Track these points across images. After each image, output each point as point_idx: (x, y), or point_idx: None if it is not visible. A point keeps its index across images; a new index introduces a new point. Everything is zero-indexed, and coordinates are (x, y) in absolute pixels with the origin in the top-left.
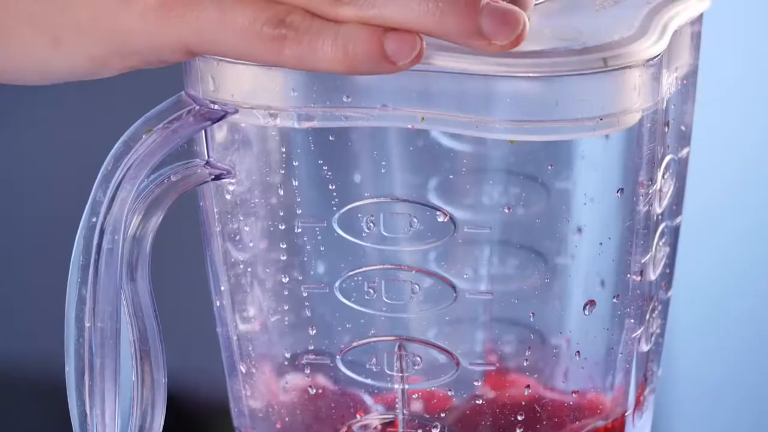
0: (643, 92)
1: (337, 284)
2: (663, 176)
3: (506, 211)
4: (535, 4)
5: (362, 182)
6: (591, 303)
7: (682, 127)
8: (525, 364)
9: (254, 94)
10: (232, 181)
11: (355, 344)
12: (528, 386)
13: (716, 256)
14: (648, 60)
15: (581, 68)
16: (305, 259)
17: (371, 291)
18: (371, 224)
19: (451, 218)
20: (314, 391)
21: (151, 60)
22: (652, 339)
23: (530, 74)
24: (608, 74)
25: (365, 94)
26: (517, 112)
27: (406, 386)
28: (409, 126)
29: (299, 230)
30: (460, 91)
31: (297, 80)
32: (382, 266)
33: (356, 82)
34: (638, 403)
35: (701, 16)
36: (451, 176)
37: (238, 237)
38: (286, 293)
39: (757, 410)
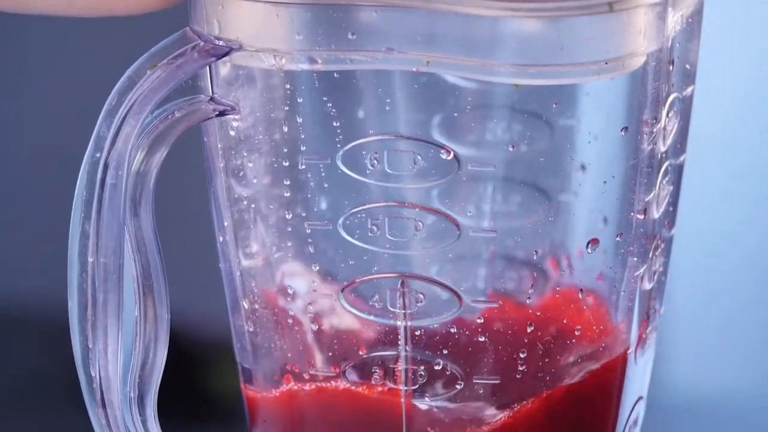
0: (649, 35)
1: (340, 221)
2: (667, 115)
3: (510, 149)
4: None
5: (366, 119)
6: (594, 241)
7: (687, 66)
8: (528, 301)
9: (259, 36)
10: (236, 117)
11: (358, 281)
12: (530, 323)
13: (720, 195)
14: (654, 1)
15: (586, 10)
16: (309, 195)
17: (375, 228)
18: (375, 161)
19: (455, 156)
20: (316, 327)
21: None
22: (655, 277)
23: (535, 16)
24: (613, 16)
25: (370, 37)
26: (522, 55)
27: (409, 323)
28: (414, 69)
29: (303, 167)
30: (465, 35)
31: (302, 23)
32: (385, 203)
33: (362, 26)
34: (640, 341)
35: None
36: (455, 114)
37: (241, 173)
38: (290, 230)
39: (759, 348)
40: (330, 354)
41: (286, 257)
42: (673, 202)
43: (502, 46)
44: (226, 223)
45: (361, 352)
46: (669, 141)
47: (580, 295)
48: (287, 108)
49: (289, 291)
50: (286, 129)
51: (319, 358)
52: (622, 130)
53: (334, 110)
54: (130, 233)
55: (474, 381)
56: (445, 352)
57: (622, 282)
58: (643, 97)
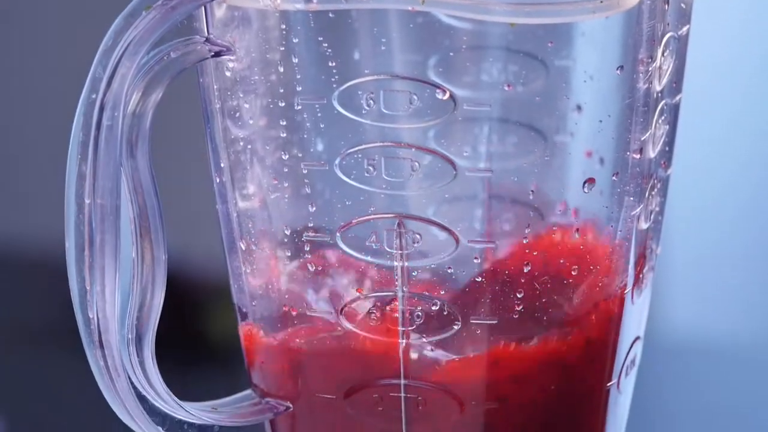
0: None
1: (336, 162)
2: (663, 54)
3: (506, 88)
4: None
5: (362, 59)
6: (590, 181)
7: (682, 5)
8: (524, 241)
9: None
10: (232, 58)
11: (354, 221)
12: (527, 263)
13: (716, 134)
14: None
15: None
16: (305, 136)
17: (371, 168)
18: (371, 102)
19: (451, 96)
20: (313, 267)
21: None
22: (651, 217)
23: None
24: None
25: None
26: None
27: (406, 263)
28: (410, 8)
29: (299, 107)
30: None
31: None
32: (381, 144)
33: None
34: (637, 281)
35: None
36: (451, 53)
37: (237, 114)
38: (286, 170)
39: (757, 289)
40: (327, 295)
41: (283, 198)
42: (669, 141)
43: None
44: (222, 165)
45: (358, 293)
46: (664, 80)
47: (576, 235)
48: (283, 49)
49: (286, 232)
50: (281, 70)
51: (316, 299)
52: (617, 69)
53: (329, 50)
54: (126, 175)
55: (471, 321)
56: (442, 292)
57: (618, 222)
58: (639, 36)
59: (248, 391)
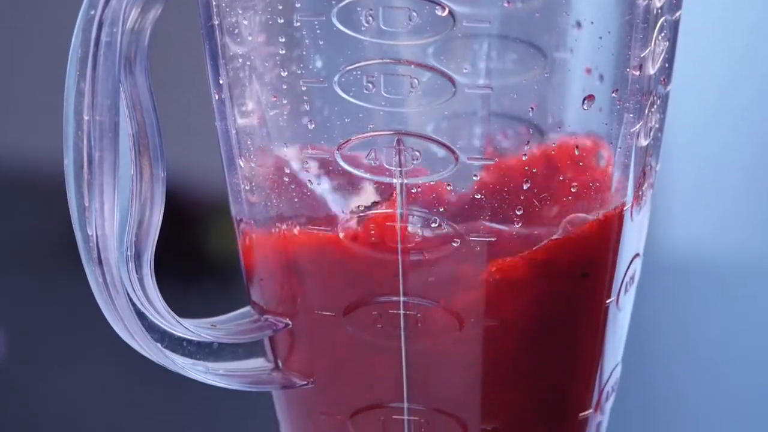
0: None
1: (335, 78)
2: None
3: (505, 5)
4: None
5: None
6: (590, 98)
7: None
8: (524, 158)
9: None
10: None
11: (353, 139)
12: (527, 180)
13: (716, 51)
14: None
15: None
16: (304, 53)
17: (370, 85)
18: (370, 18)
19: (451, 12)
20: (312, 184)
21: None
22: (651, 134)
23: None
24: None
25: None
26: None
27: (405, 181)
28: None
29: (298, 24)
30: None
31: None
32: (381, 60)
33: None
34: (637, 198)
35: None
36: None
37: (236, 31)
38: (285, 87)
39: (756, 207)
40: (326, 212)
41: (282, 115)
42: (669, 58)
43: None
44: (221, 82)
45: (357, 210)
46: None
47: (576, 152)
48: None
49: (285, 149)
50: None
51: (314, 216)
52: None
53: None
54: (125, 92)
55: (470, 238)
56: (441, 209)
57: (618, 139)
58: None
59: (247, 308)
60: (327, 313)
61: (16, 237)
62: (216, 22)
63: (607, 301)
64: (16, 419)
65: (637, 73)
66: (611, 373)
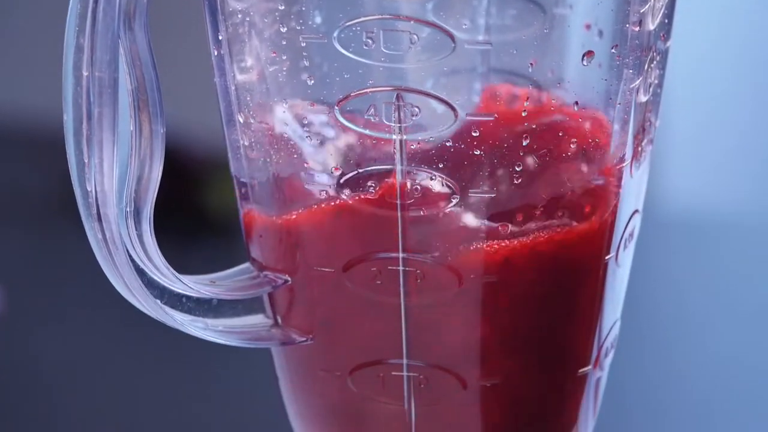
0: None
1: (335, 34)
2: None
3: None
4: None
5: None
6: (589, 54)
7: None
8: (523, 114)
9: None
10: None
11: (353, 94)
12: (526, 137)
13: (716, 7)
14: None
15: None
16: (303, 8)
17: (369, 41)
18: None
19: None
20: (312, 140)
21: None
22: (651, 90)
23: None
24: None
25: None
26: None
27: (404, 137)
28: None
29: None
30: None
31: None
32: (380, 16)
33: None
34: (636, 154)
35: None
36: None
37: None
38: (284, 43)
39: (755, 162)
40: (325, 168)
41: (281, 71)
42: (669, 14)
43: None
44: (220, 38)
45: (356, 166)
46: None
47: (575, 108)
48: None
49: (284, 105)
50: None
51: (314, 172)
52: None
53: None
54: (124, 47)
55: (469, 195)
56: (440, 165)
57: (617, 95)
58: None
59: (246, 265)
60: (326, 270)
61: (15, 193)
62: None
63: (607, 257)
64: (15, 375)
65: (637, 28)
66: (610, 330)
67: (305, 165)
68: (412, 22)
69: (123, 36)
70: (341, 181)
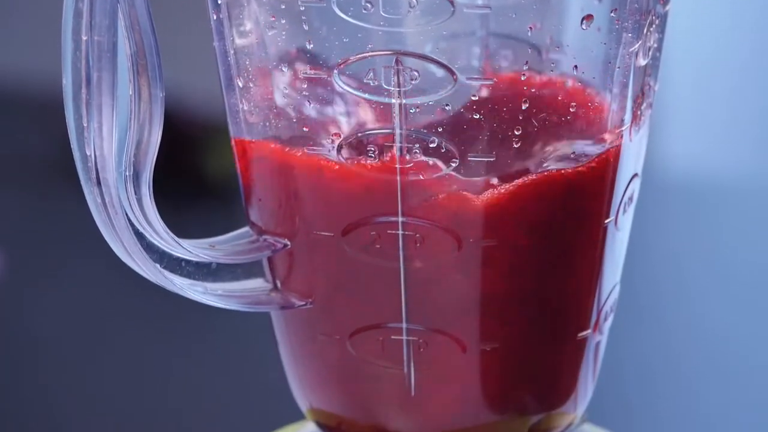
0: None
1: None
2: None
3: None
4: None
5: None
6: (588, 17)
7: None
8: (522, 78)
9: None
10: None
11: (352, 59)
12: (525, 100)
13: None
14: None
15: None
16: None
17: (368, 5)
18: None
19: None
20: (311, 105)
21: None
22: (650, 54)
23: None
24: None
25: None
26: None
27: (404, 101)
28: None
29: None
30: None
31: None
32: None
33: None
34: (635, 118)
35: None
36: None
37: None
38: (283, 7)
39: (755, 126)
40: (324, 132)
41: (280, 35)
42: None
43: None
44: (219, 1)
45: (356, 131)
46: None
47: (574, 72)
48: None
49: (283, 69)
50: None
51: (313, 136)
52: None
53: None
54: (123, 12)
55: (469, 158)
56: (440, 129)
57: (616, 58)
58: None
59: (246, 229)
60: (326, 234)
61: (14, 158)
62: None
63: (606, 221)
64: (15, 338)
65: None
66: (610, 294)
67: (304, 129)
68: None
69: (122, 0)
70: (340, 145)
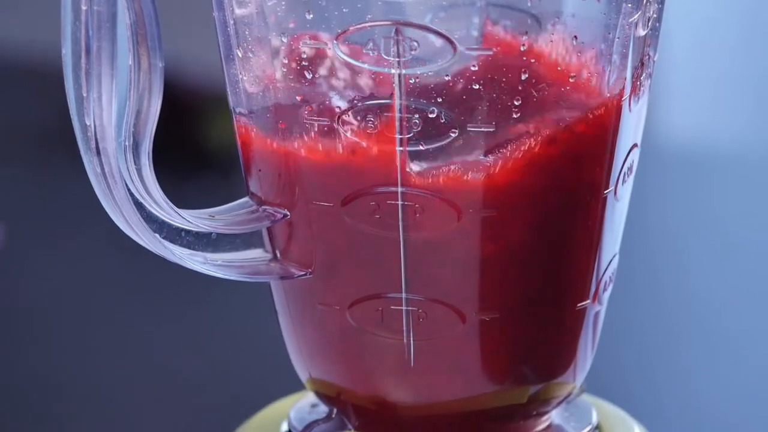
0: None
1: None
2: None
3: None
4: None
5: None
6: None
7: None
8: (522, 48)
9: None
10: None
11: (351, 29)
12: (525, 70)
13: None
14: None
15: None
16: None
17: None
18: None
19: None
20: (310, 75)
21: None
22: (649, 24)
23: None
24: None
25: None
26: None
27: (403, 71)
28: None
29: None
30: None
31: None
32: None
33: None
34: (635, 88)
35: None
36: None
37: None
38: None
39: (754, 96)
40: (324, 103)
41: (280, 5)
42: None
43: None
44: None
45: (355, 101)
46: None
47: (574, 42)
48: None
49: (283, 39)
50: None
51: (313, 107)
52: None
53: None
54: None
55: (468, 129)
56: (439, 100)
57: (616, 29)
58: None
59: (245, 199)
60: (325, 204)
61: (14, 128)
62: None
63: (605, 192)
64: (15, 310)
65: None
66: (609, 264)
67: (303, 99)
68: None
69: None
70: (340, 115)
